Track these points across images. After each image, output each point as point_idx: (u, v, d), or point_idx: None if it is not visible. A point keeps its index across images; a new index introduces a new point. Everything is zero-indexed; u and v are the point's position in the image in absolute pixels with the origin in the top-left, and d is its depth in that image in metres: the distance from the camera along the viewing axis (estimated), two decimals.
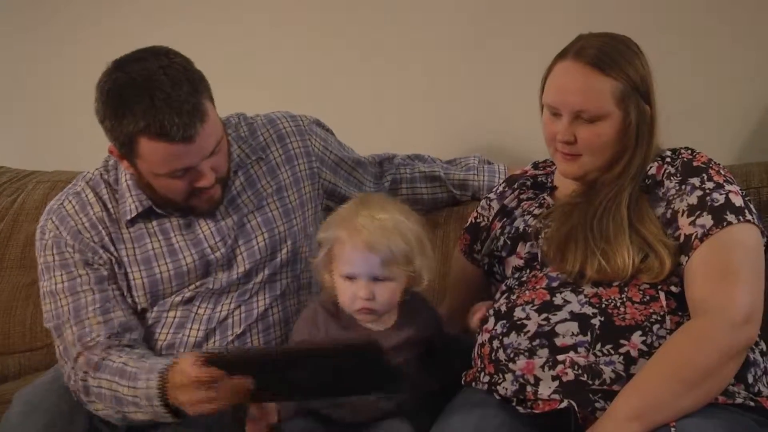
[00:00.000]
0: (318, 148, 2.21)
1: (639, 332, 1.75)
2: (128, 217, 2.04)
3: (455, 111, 2.63)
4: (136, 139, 1.88)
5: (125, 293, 2.04)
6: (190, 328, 2.04)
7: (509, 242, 1.99)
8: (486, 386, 1.84)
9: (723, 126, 2.40)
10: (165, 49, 1.93)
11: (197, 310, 2.06)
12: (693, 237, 1.79)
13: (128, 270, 2.04)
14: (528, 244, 1.95)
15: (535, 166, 2.13)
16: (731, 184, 1.86)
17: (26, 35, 3.04)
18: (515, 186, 2.10)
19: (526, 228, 1.97)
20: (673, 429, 1.63)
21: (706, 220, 1.80)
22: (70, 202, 2.08)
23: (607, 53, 1.87)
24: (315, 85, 2.74)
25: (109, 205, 2.07)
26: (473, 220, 2.15)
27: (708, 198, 1.82)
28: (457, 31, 2.60)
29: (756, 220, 1.83)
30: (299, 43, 2.76)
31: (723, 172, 1.88)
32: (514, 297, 1.89)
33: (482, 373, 1.87)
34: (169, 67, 1.88)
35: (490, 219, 2.09)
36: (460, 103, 2.62)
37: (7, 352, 2.59)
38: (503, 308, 1.89)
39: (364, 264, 1.82)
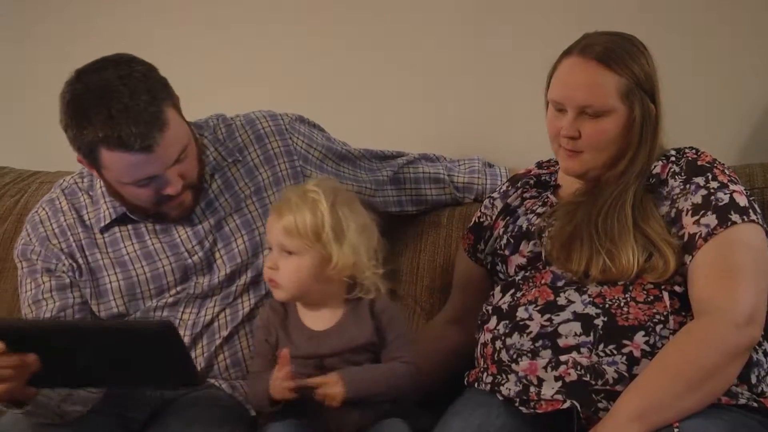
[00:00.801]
0: (300, 146, 2.18)
1: (642, 332, 1.75)
2: (102, 224, 2.05)
3: (453, 110, 2.62)
4: (98, 150, 1.87)
5: (94, 299, 2.03)
6: None
7: (512, 240, 1.98)
8: (489, 387, 1.84)
9: (725, 127, 2.39)
10: (127, 57, 1.92)
11: (182, 315, 2.05)
12: (697, 236, 1.79)
13: (103, 274, 2.04)
14: (531, 242, 1.94)
15: (539, 165, 2.12)
16: (736, 183, 1.86)
17: (29, 35, 3.04)
18: (518, 185, 2.09)
19: (530, 226, 1.97)
20: (676, 430, 1.63)
21: (711, 219, 1.79)
22: (44, 209, 2.09)
23: (613, 50, 1.87)
24: (313, 84, 2.72)
25: (84, 212, 2.07)
26: (476, 220, 2.14)
27: (712, 197, 1.81)
28: (456, 30, 2.59)
29: (760, 220, 1.82)
30: (298, 42, 2.75)
31: (728, 172, 1.88)
32: (517, 295, 1.88)
33: (485, 374, 1.87)
34: (128, 76, 1.86)
35: (494, 218, 2.09)
36: (459, 101, 2.61)
37: None
38: (505, 307, 1.88)
39: (272, 230, 1.82)
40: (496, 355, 1.84)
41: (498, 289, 1.96)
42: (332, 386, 1.74)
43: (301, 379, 1.76)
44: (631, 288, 1.80)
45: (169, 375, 1.72)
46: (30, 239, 2.06)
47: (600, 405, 1.70)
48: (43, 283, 2.03)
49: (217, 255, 2.06)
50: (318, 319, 1.86)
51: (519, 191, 2.08)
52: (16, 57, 3.07)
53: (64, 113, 1.89)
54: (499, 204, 2.10)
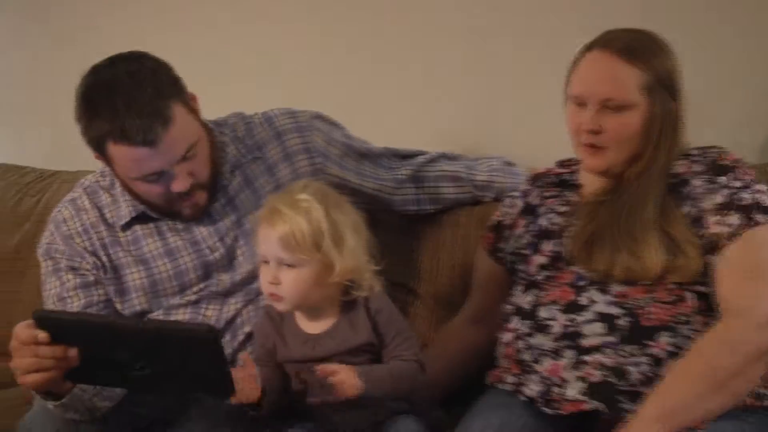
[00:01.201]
0: (319, 143, 2.17)
1: (666, 333, 1.74)
2: (122, 222, 2.05)
3: (472, 108, 2.61)
4: (105, 143, 1.88)
5: (117, 297, 2.04)
6: None
7: (533, 240, 1.97)
8: (511, 387, 1.83)
9: (748, 127, 2.37)
10: (139, 54, 1.93)
11: (204, 312, 2.04)
12: (720, 236, 1.77)
13: (126, 272, 2.04)
14: (552, 242, 1.93)
15: (560, 164, 2.10)
16: (759, 183, 1.84)
17: (50, 36, 3.05)
18: (539, 184, 2.08)
19: (551, 226, 1.96)
20: None
21: (734, 219, 1.78)
22: (66, 208, 2.10)
23: (635, 45, 1.86)
24: (319, 84, 2.72)
25: (105, 211, 2.07)
26: (497, 219, 2.13)
27: (736, 197, 1.80)
28: (473, 26, 2.58)
29: None
30: (301, 41, 2.76)
31: (750, 172, 1.86)
32: (539, 295, 1.87)
33: (507, 374, 1.86)
34: (137, 72, 1.88)
35: (514, 217, 2.07)
36: (477, 99, 2.60)
37: None
38: (527, 307, 1.87)
39: (269, 245, 1.77)
40: (518, 355, 1.84)
41: (519, 288, 1.95)
42: (350, 376, 1.72)
43: (314, 367, 1.73)
44: (654, 288, 1.78)
45: (204, 383, 1.70)
46: (54, 238, 2.07)
47: (624, 406, 1.69)
48: (68, 281, 2.03)
49: (239, 252, 2.06)
50: (314, 322, 1.85)
51: (540, 190, 2.06)
52: (36, 57, 3.08)
53: (77, 107, 1.91)
54: (519, 203, 2.08)
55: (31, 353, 1.66)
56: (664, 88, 1.85)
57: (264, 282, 1.81)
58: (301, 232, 1.75)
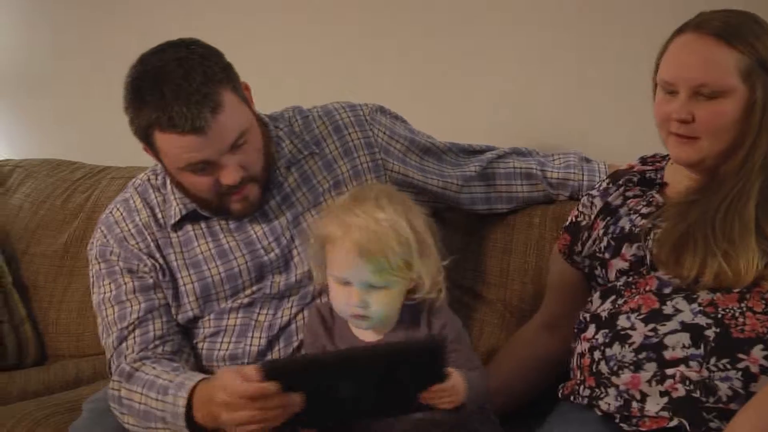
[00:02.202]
0: (382, 138, 2.12)
1: (761, 346, 1.64)
2: (173, 221, 2.01)
3: (547, 100, 2.54)
4: (152, 132, 1.85)
5: (172, 301, 2.00)
6: (252, 336, 1.98)
7: (613, 243, 1.88)
8: (586, 400, 1.75)
9: None
10: (189, 41, 1.90)
11: (257, 317, 2.00)
12: None
13: (178, 275, 2.00)
14: (635, 245, 1.84)
15: (643, 161, 2.02)
16: None
17: (100, 30, 3.07)
18: (620, 182, 1.98)
19: (633, 228, 1.86)
20: None
21: None
22: (118, 209, 2.07)
23: (732, 25, 1.76)
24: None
25: (157, 210, 2.04)
26: (574, 219, 2.04)
27: None
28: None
29: None
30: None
31: None
32: (618, 302, 1.79)
33: (582, 386, 1.78)
34: (185, 58, 1.85)
35: (593, 218, 1.98)
36: (552, 90, 2.53)
37: (81, 355, 2.58)
38: (605, 315, 1.79)
39: (357, 271, 1.72)
40: (594, 366, 1.76)
41: (597, 295, 1.87)
42: (460, 382, 1.65)
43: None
44: (748, 296, 1.69)
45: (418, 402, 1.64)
46: (107, 240, 2.03)
47: (712, 425, 1.61)
48: (125, 283, 1.99)
49: (295, 252, 2.01)
50: (369, 330, 1.79)
51: (621, 189, 1.97)
52: (84, 52, 3.10)
53: (125, 96, 1.89)
54: (598, 203, 1.99)
55: (255, 407, 1.62)
56: (766, 72, 1.75)
57: (347, 304, 1.75)
58: (395, 256, 1.71)
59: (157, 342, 1.95)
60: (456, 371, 1.65)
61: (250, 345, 1.97)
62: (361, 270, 1.71)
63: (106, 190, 2.72)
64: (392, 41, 2.68)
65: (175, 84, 1.81)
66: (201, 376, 1.82)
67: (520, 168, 2.26)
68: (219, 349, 1.98)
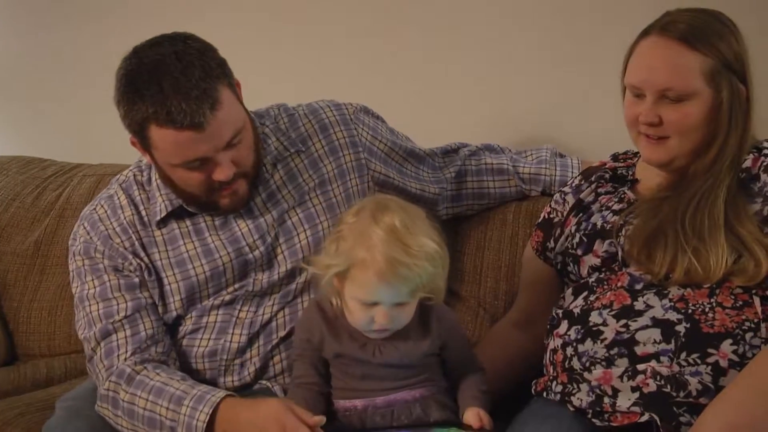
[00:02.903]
0: (365, 137, 2.12)
1: (730, 340, 1.65)
2: (158, 218, 1.99)
3: (521, 96, 2.54)
4: (147, 127, 1.83)
5: (158, 301, 1.99)
6: (232, 333, 1.97)
7: (585, 239, 1.89)
8: (559, 396, 1.76)
9: None
10: (185, 35, 1.88)
11: (238, 313, 1.99)
12: None
13: (163, 275, 1.99)
14: (606, 242, 1.85)
15: (615, 158, 2.03)
16: None
17: (72, 27, 3.03)
18: (592, 179, 2.00)
19: (605, 224, 1.87)
20: None
21: None
22: (102, 206, 2.04)
23: (697, 27, 1.77)
24: (355, 76, 2.69)
25: (141, 208, 2.02)
26: (546, 216, 2.06)
27: None
28: (530, 12, 2.52)
29: None
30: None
31: None
32: (590, 298, 1.80)
33: (554, 383, 1.79)
34: (183, 52, 1.82)
35: (565, 214, 1.99)
36: (527, 88, 2.53)
37: (52, 354, 2.55)
38: (577, 311, 1.80)
39: (389, 293, 1.71)
40: (566, 362, 1.76)
41: (569, 291, 1.88)
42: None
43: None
44: (717, 292, 1.70)
45: None
46: (90, 237, 2.01)
47: (682, 419, 1.62)
48: (110, 280, 1.98)
49: (279, 250, 2.00)
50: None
51: (593, 186, 1.98)
52: (59, 48, 3.06)
53: (117, 89, 1.85)
54: (570, 199, 2.00)
55: None
56: (731, 72, 1.77)
57: (372, 323, 1.73)
58: (426, 273, 1.71)
59: (149, 342, 1.93)
60: (482, 411, 1.75)
61: (230, 342, 1.96)
62: (394, 291, 1.70)
63: (78, 187, 2.68)
64: (371, 41, 2.67)
65: (174, 78, 1.79)
66: (223, 392, 1.81)
67: (491, 164, 2.26)
68: (198, 346, 1.97)
